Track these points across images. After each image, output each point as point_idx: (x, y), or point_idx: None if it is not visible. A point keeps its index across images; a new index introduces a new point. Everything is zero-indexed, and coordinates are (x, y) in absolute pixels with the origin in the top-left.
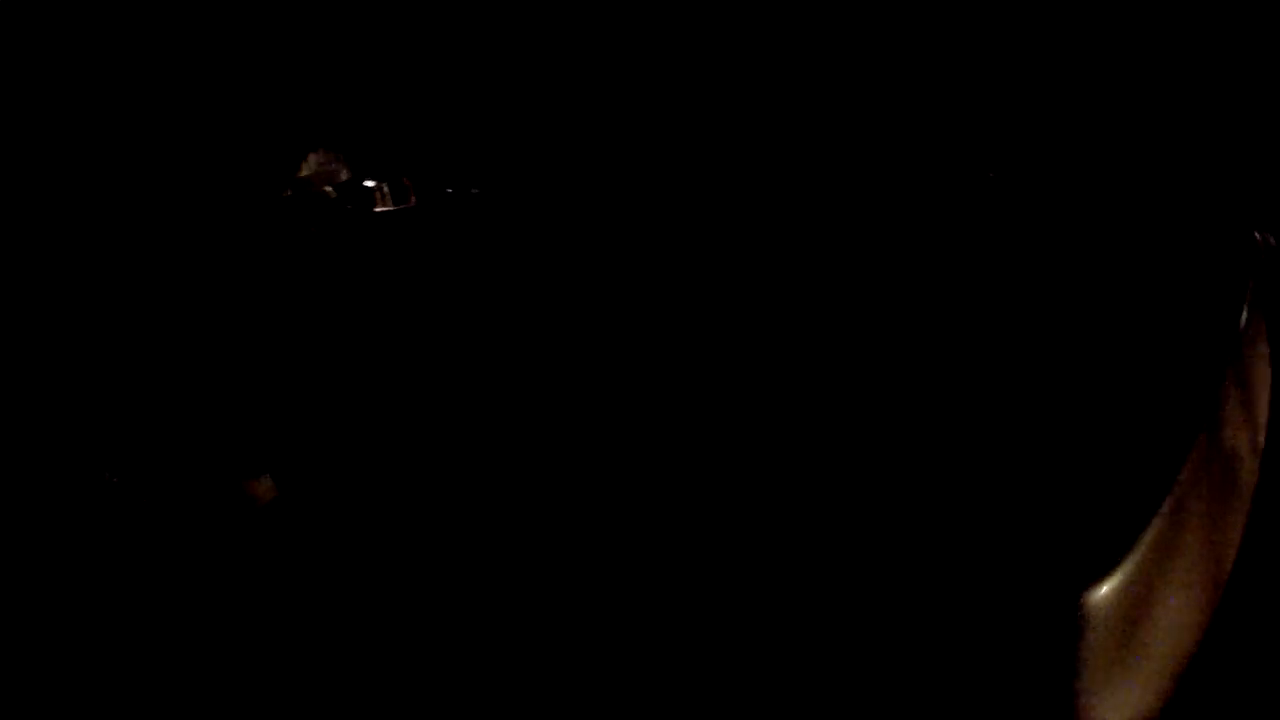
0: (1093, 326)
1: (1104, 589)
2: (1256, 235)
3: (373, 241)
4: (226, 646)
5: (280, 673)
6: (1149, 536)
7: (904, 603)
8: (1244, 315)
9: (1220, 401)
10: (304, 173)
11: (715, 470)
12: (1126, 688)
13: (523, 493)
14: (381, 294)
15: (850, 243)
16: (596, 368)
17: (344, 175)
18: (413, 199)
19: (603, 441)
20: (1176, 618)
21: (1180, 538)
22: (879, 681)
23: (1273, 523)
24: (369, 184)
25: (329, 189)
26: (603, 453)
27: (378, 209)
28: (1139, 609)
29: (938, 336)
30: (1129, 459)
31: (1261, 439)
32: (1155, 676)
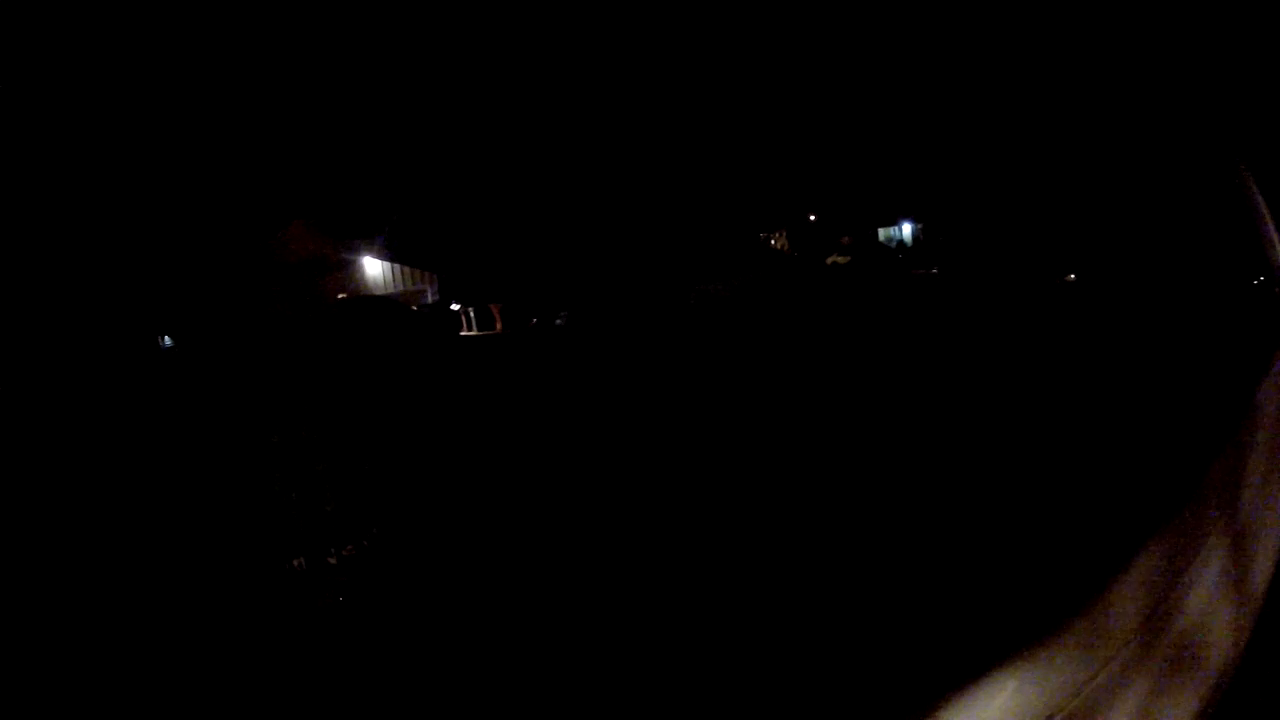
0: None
1: None
2: None
3: (456, 364)
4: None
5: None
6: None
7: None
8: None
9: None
10: (390, 291)
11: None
12: None
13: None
14: (455, 413)
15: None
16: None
17: (430, 297)
18: (499, 325)
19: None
20: None
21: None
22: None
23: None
24: (455, 307)
25: (414, 308)
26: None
27: (463, 333)
28: None
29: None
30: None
31: (1248, 623)
32: None
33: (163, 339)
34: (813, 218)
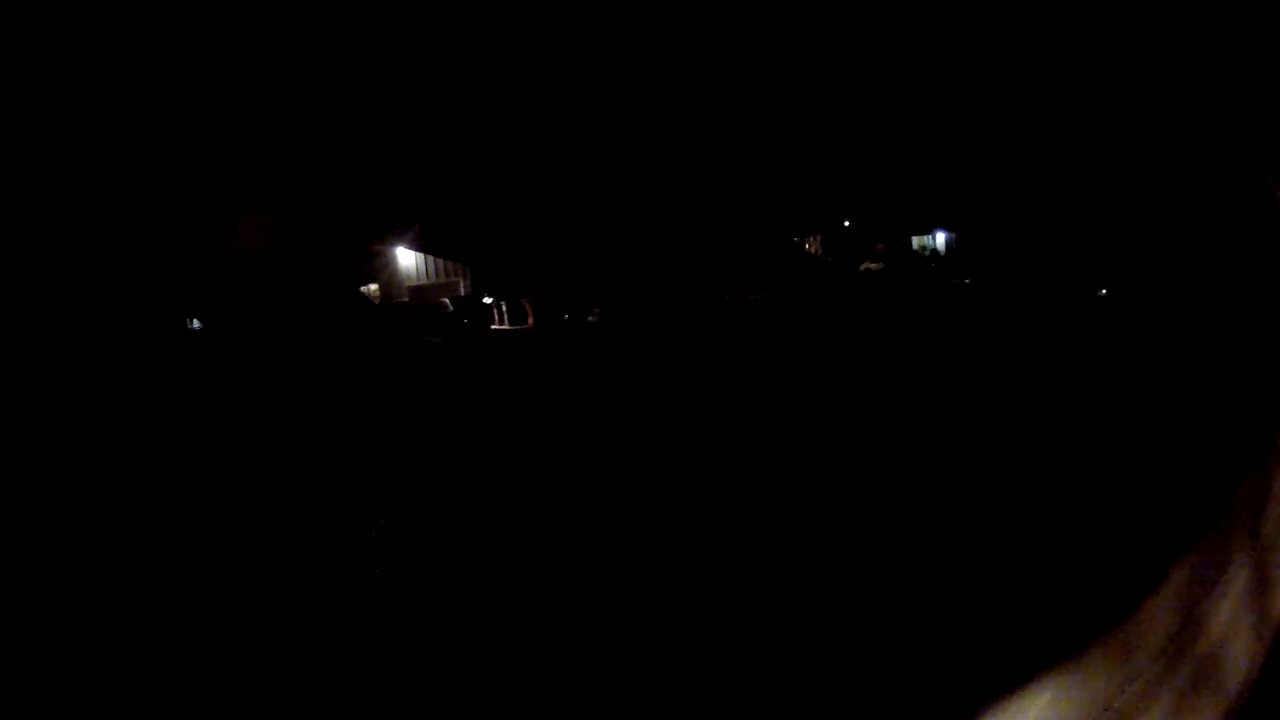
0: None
1: None
2: None
3: (486, 357)
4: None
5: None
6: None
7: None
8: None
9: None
10: (423, 282)
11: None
12: None
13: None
14: (484, 407)
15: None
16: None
17: (463, 290)
18: (530, 320)
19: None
20: None
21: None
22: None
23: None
24: (487, 300)
25: (446, 301)
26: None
27: (495, 326)
28: None
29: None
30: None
31: (1268, 638)
32: None
33: (191, 321)
34: (847, 224)
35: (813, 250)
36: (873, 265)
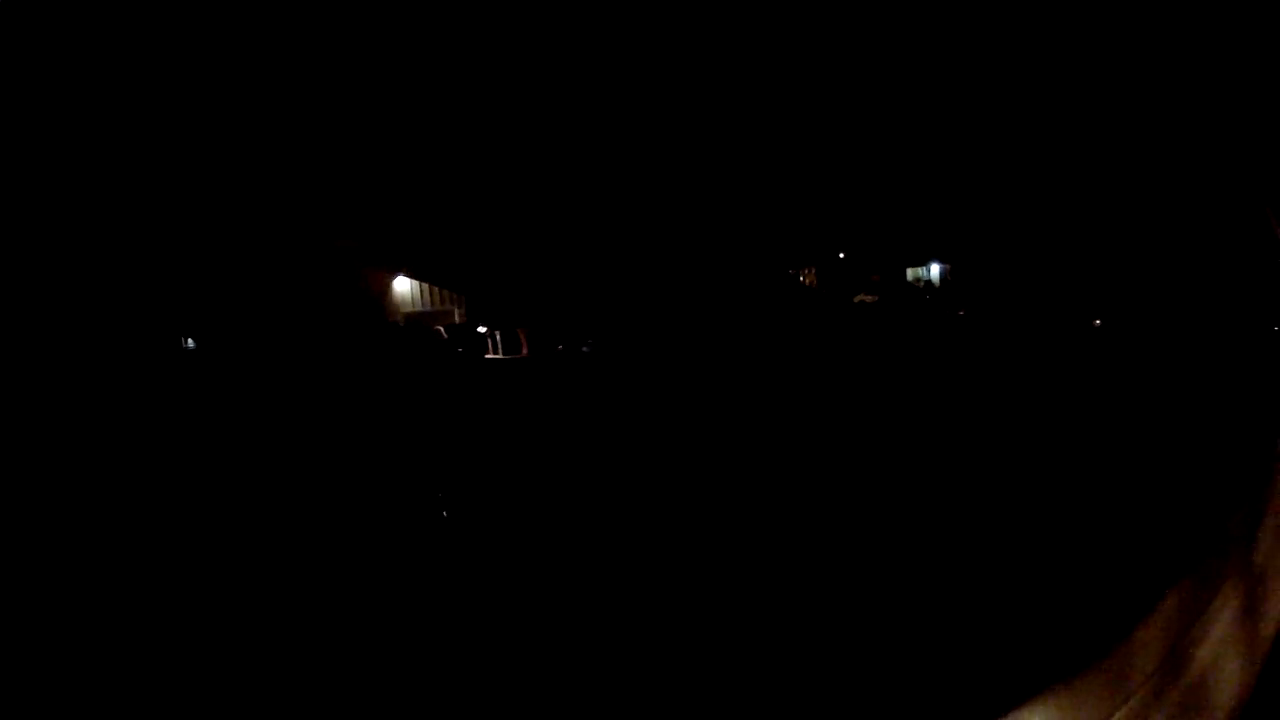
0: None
1: None
2: None
3: (479, 385)
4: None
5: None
6: None
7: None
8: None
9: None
10: (418, 310)
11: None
12: None
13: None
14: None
15: None
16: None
17: (458, 318)
18: (525, 349)
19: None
20: None
21: None
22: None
23: None
24: (481, 330)
25: (440, 329)
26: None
27: (489, 355)
28: None
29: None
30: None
31: (1258, 663)
32: None
33: (185, 340)
34: (842, 256)
35: (808, 282)
36: (867, 297)
